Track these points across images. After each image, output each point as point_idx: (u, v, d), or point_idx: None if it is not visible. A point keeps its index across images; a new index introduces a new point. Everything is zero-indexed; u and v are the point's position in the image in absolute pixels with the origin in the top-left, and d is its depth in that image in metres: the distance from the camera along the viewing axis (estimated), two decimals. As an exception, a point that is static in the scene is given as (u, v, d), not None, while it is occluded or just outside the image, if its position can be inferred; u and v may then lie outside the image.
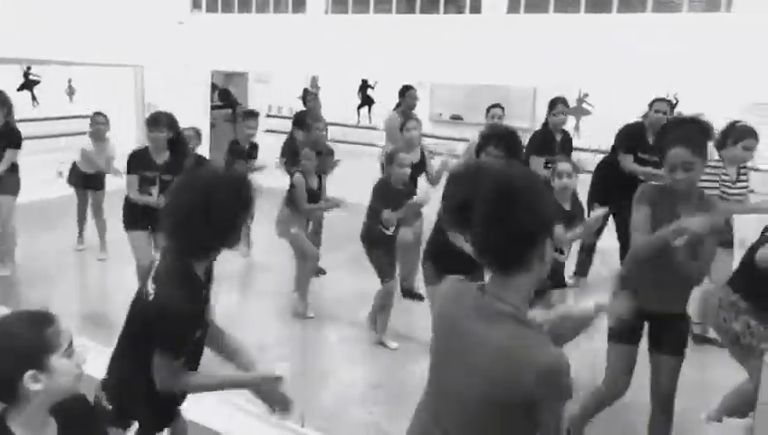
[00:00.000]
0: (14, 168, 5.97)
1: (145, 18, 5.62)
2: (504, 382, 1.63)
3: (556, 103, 5.44)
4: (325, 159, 6.09)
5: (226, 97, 11.11)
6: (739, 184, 4.76)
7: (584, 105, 7.65)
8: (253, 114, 6.50)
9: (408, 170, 4.90)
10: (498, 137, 3.69)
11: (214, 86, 10.33)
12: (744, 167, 4.82)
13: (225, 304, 5.87)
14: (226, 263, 6.65)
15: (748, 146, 4.62)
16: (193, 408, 2.71)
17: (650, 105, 5.42)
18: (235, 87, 11.06)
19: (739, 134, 4.62)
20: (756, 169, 5.12)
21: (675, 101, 7.00)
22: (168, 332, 2.24)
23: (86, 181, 6.68)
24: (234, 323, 5.32)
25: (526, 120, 7.48)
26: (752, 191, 4.98)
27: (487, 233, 1.68)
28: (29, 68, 7.59)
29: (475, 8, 7.60)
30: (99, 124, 6.36)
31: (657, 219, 3.12)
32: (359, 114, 9.21)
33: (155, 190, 4.84)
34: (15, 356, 1.70)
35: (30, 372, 1.69)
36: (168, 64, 6.28)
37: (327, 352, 5.08)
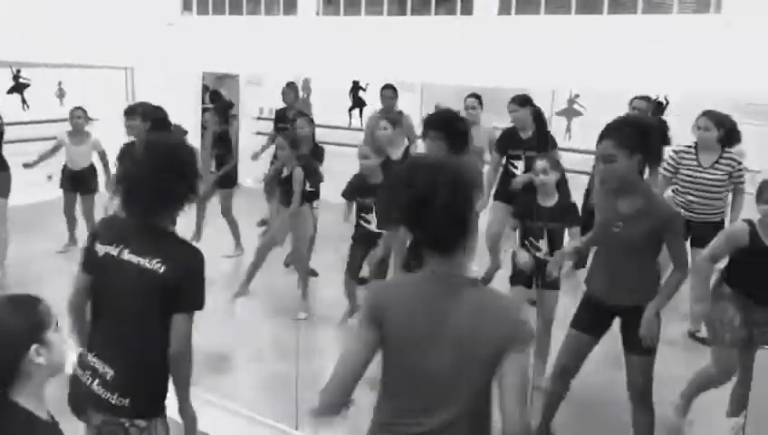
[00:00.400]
0: (3, 165, 5.92)
1: (135, 20, 5.59)
2: (486, 338, 1.86)
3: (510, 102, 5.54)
4: (315, 155, 6.10)
5: (218, 99, 11.09)
6: (712, 171, 4.77)
7: (575, 106, 7.66)
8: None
9: (371, 162, 4.98)
10: (437, 120, 3.75)
11: (205, 88, 10.30)
12: (731, 159, 4.80)
13: (219, 304, 5.86)
14: (220, 263, 6.70)
15: (700, 125, 4.77)
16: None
17: (629, 103, 5.54)
18: (226, 89, 11.04)
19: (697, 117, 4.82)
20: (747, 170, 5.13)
21: (665, 102, 7.03)
22: (199, 286, 2.44)
23: (75, 184, 6.65)
24: (228, 324, 5.34)
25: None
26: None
27: (440, 222, 1.87)
28: (18, 71, 7.55)
29: (467, 10, 7.61)
30: (76, 118, 6.44)
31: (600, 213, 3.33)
32: (350, 116, 9.20)
33: None
34: (17, 335, 1.82)
35: (34, 347, 1.82)
36: (159, 66, 6.26)
37: (321, 353, 5.06)
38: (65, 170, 6.64)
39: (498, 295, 2.08)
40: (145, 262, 2.40)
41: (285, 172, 5.54)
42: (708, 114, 4.79)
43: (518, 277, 4.37)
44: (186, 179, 2.45)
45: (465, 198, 1.91)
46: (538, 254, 4.30)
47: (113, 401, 2.39)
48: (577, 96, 7.58)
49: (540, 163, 4.18)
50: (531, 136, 5.62)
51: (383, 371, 2.04)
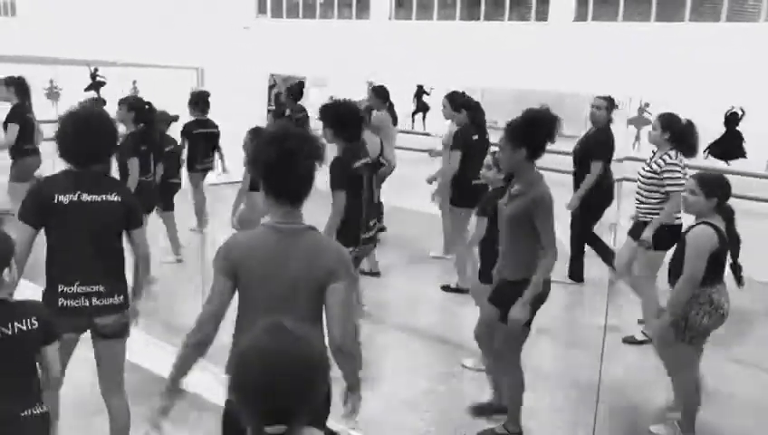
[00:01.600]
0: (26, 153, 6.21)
1: (211, 23, 5.71)
2: (317, 266, 2.34)
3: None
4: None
5: (277, 103, 11.24)
6: (648, 168, 4.94)
7: (645, 115, 7.44)
8: None
9: None
10: (330, 115, 4.28)
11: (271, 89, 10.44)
12: (662, 158, 4.84)
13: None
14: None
15: (652, 125, 5.06)
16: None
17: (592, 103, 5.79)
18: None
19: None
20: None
21: (741, 113, 6.76)
22: (140, 209, 3.22)
23: None
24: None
25: (580, 127, 7.28)
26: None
27: (291, 182, 2.33)
28: (96, 70, 7.81)
29: (542, 15, 7.51)
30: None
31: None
32: (413, 120, 9.15)
33: None
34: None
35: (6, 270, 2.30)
36: (229, 67, 6.37)
37: (377, 356, 5.03)
38: None
39: (328, 239, 2.70)
40: (106, 196, 3.08)
41: None
42: (660, 116, 5.05)
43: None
44: (107, 137, 3.17)
45: (310, 161, 2.32)
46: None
47: (115, 302, 3.11)
48: (647, 105, 7.35)
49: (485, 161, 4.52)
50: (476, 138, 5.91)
51: (240, 307, 2.42)
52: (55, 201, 2.99)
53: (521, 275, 3.65)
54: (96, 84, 7.21)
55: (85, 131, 3.10)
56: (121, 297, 3.17)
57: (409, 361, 4.92)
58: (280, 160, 2.33)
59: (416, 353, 5.04)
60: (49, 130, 6.12)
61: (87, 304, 3.08)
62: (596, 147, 5.93)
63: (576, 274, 6.36)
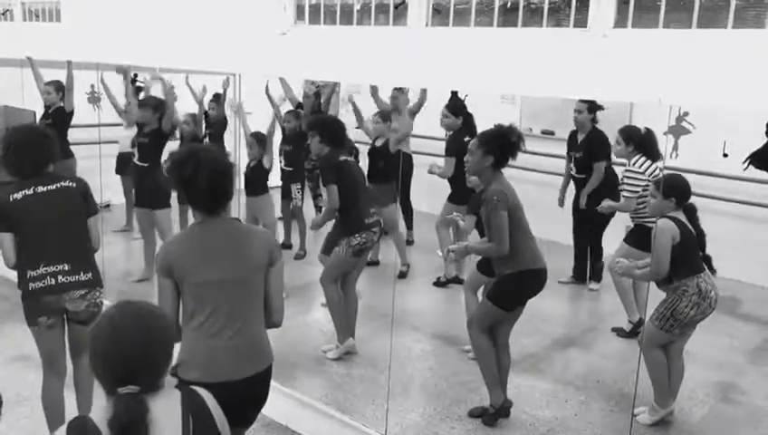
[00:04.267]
0: (67, 153, 6.65)
1: (249, 29, 5.77)
2: (260, 252, 2.70)
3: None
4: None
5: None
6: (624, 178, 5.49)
7: (684, 124, 7.34)
8: None
9: None
10: (318, 125, 4.97)
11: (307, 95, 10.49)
12: (631, 170, 5.45)
13: (304, 309, 5.95)
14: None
15: (615, 139, 5.64)
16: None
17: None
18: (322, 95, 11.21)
19: None
20: None
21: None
22: (94, 198, 3.74)
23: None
24: (316, 328, 5.44)
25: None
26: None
27: (202, 195, 2.60)
28: (136, 75, 7.94)
29: (581, 22, 7.46)
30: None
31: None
32: (446, 127, 9.13)
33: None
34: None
35: None
36: (266, 73, 6.44)
37: (410, 363, 5.05)
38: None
39: (254, 227, 3.21)
40: (61, 184, 3.42)
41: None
42: (620, 131, 5.59)
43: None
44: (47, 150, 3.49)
45: (223, 177, 2.61)
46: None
47: (83, 278, 3.43)
48: (686, 114, 7.26)
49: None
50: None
51: (184, 302, 2.65)
52: (11, 200, 3.32)
53: (507, 271, 4.01)
54: (135, 89, 7.32)
55: (25, 147, 3.40)
56: (89, 274, 3.47)
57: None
58: (181, 183, 2.61)
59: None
60: (92, 134, 6.26)
61: (53, 282, 3.38)
62: (598, 148, 6.30)
63: (580, 274, 6.70)
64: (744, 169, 6.98)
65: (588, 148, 6.39)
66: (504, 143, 3.97)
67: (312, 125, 5.06)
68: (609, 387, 4.73)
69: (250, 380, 2.69)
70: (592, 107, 6.38)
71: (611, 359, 5.17)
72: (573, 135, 6.58)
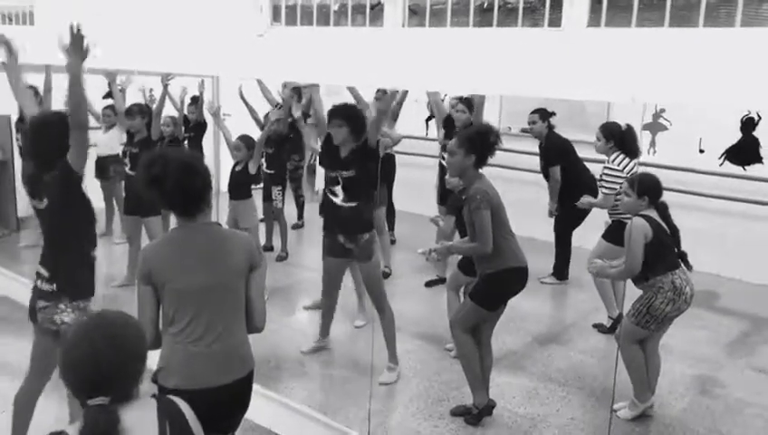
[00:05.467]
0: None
1: (225, 31, 5.75)
2: (240, 257, 2.67)
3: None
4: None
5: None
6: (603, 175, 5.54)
7: (661, 120, 7.43)
8: None
9: None
10: (340, 112, 4.61)
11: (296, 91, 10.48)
12: (610, 167, 5.49)
13: (286, 311, 5.94)
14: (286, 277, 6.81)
15: (595, 135, 5.66)
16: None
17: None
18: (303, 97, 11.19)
19: None
20: None
21: (757, 118, 6.74)
22: None
23: None
24: (298, 331, 5.43)
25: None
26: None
27: (173, 197, 2.57)
28: (115, 78, 7.88)
29: (555, 22, 7.51)
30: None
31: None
32: (427, 126, 9.18)
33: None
34: (145, 353, 1.94)
35: None
36: (243, 75, 6.42)
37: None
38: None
39: (235, 231, 3.03)
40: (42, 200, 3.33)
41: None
42: (602, 127, 5.62)
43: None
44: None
45: (192, 177, 2.55)
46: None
47: (47, 289, 3.30)
48: (663, 111, 7.35)
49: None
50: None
51: (163, 308, 2.63)
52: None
53: (490, 270, 4.04)
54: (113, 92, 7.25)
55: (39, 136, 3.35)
56: (54, 286, 3.31)
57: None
58: (150, 184, 2.56)
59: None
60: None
61: (34, 284, 3.39)
62: (552, 154, 6.48)
63: (561, 272, 6.73)
64: (720, 165, 7.08)
65: (545, 154, 6.53)
66: (485, 142, 4.00)
67: (340, 114, 4.61)
68: (590, 383, 4.77)
69: (231, 386, 2.67)
70: (544, 114, 6.52)
71: (591, 355, 5.21)
72: (541, 144, 6.70)
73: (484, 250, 3.96)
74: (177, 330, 2.62)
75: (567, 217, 6.51)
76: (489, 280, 4.07)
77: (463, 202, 4.12)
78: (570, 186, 6.30)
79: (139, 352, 1.86)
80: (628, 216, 5.10)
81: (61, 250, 3.36)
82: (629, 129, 5.57)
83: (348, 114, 4.61)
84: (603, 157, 5.68)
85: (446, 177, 4.83)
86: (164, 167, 2.53)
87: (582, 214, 6.41)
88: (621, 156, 5.50)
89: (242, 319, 2.72)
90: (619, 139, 5.54)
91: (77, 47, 3.23)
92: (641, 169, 5.37)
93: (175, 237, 2.69)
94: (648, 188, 4.23)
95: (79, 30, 3.25)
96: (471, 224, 4.02)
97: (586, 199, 5.71)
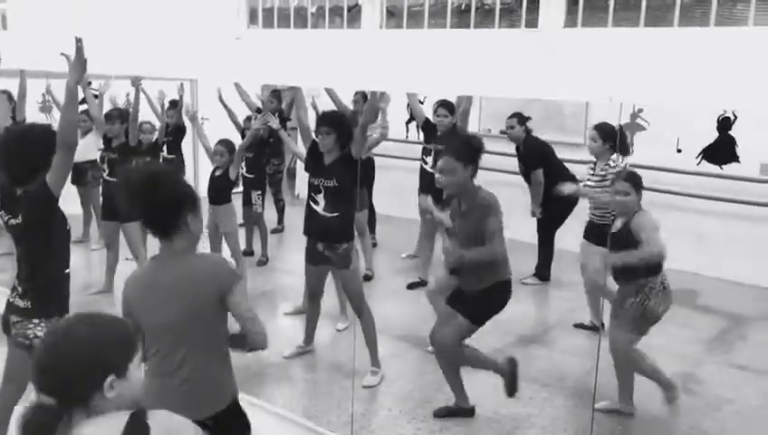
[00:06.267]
0: None
1: (202, 34, 5.71)
2: (208, 287, 2.49)
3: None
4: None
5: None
6: (597, 176, 5.36)
7: (638, 121, 7.49)
8: None
9: None
10: (329, 119, 4.62)
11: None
12: (609, 165, 5.31)
13: (267, 316, 5.91)
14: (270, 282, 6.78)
15: (590, 136, 5.50)
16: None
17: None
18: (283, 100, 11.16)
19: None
20: None
21: (733, 117, 6.81)
22: None
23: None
24: (282, 336, 5.40)
25: (580, 135, 7.36)
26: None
27: (146, 217, 2.52)
28: (89, 83, 7.81)
29: (532, 23, 7.54)
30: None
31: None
32: (407, 129, 9.18)
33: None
34: (103, 360, 1.70)
35: (110, 379, 1.69)
36: (222, 78, 6.38)
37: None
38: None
39: (210, 255, 2.92)
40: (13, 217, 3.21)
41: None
42: (597, 128, 5.45)
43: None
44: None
45: (163, 198, 2.46)
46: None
47: (21, 305, 3.21)
48: (641, 110, 7.41)
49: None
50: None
51: (144, 339, 2.52)
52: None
53: (484, 285, 3.99)
54: (93, 97, 7.18)
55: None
56: (27, 302, 3.22)
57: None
58: (126, 199, 2.53)
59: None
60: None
61: (11, 298, 3.29)
62: (532, 157, 6.53)
63: (543, 273, 6.67)
64: (698, 164, 7.15)
65: (526, 158, 6.57)
66: (478, 151, 3.99)
67: (328, 122, 4.61)
68: (572, 383, 4.79)
69: (202, 423, 2.48)
70: (521, 119, 6.54)
71: (573, 355, 5.23)
72: (518, 147, 6.71)
73: (497, 254, 3.93)
74: (153, 362, 2.57)
75: (550, 219, 6.55)
76: (482, 297, 4.03)
77: (460, 218, 4.05)
78: (552, 187, 6.32)
79: (99, 356, 1.69)
80: (607, 217, 5.14)
81: (34, 268, 3.25)
82: (621, 128, 5.62)
83: (336, 122, 4.61)
84: (581, 157, 5.71)
85: (439, 178, 4.81)
86: (127, 183, 2.52)
87: (564, 214, 6.45)
88: (619, 157, 5.45)
89: (217, 351, 2.62)
90: (614, 139, 5.51)
91: (80, 62, 3.15)
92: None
93: (147, 271, 2.63)
94: (641, 185, 4.26)
95: (81, 44, 3.16)
96: (475, 230, 3.94)
97: (568, 187, 5.67)
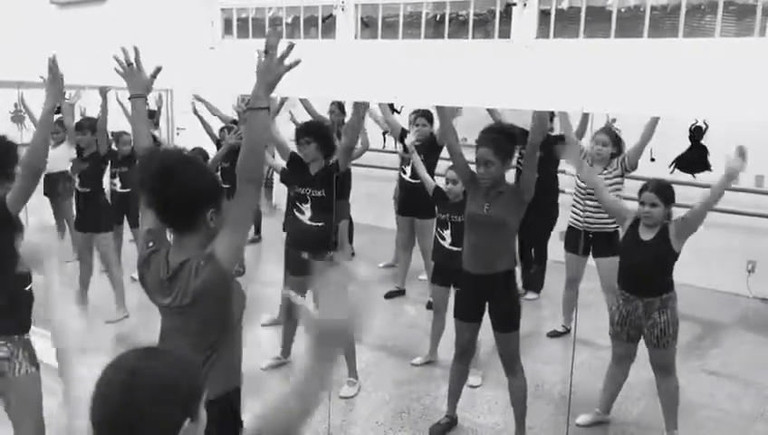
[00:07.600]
0: None
1: (177, 44, 5.69)
2: (208, 280, 2.35)
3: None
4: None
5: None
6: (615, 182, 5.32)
7: (613, 130, 7.54)
8: None
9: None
10: (307, 129, 4.64)
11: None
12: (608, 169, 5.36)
13: (244, 328, 5.86)
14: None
15: (597, 139, 5.40)
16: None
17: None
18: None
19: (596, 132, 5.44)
20: None
21: (705, 126, 6.89)
22: None
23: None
24: (254, 346, 5.36)
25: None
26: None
27: (162, 203, 2.27)
28: (63, 93, 7.74)
29: (505, 33, 7.61)
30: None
31: (469, 204, 3.93)
32: (384, 139, 9.17)
33: None
34: (182, 404, 1.36)
35: (187, 423, 1.36)
36: (197, 88, 6.36)
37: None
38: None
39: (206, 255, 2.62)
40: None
41: None
42: (608, 132, 5.47)
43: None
44: None
45: (180, 190, 2.22)
46: (442, 242, 4.84)
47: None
48: (614, 120, 7.47)
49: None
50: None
51: None
52: None
53: (507, 267, 3.86)
54: (67, 107, 7.11)
55: None
56: None
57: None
58: (140, 189, 2.36)
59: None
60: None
61: None
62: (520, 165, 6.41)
63: (535, 284, 6.69)
64: (671, 173, 7.23)
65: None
66: (516, 143, 3.87)
67: (306, 132, 4.63)
68: (548, 390, 4.81)
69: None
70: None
71: (549, 363, 5.25)
72: None
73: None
74: None
75: (538, 228, 6.45)
76: (516, 301, 3.99)
77: (491, 202, 3.85)
78: (536, 195, 6.28)
79: (173, 402, 1.35)
80: (578, 221, 5.18)
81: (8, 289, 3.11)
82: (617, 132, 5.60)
83: (315, 131, 4.62)
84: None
85: (448, 187, 4.85)
86: (143, 172, 2.35)
87: (550, 223, 6.44)
88: (617, 160, 5.49)
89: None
90: (620, 145, 5.54)
91: (56, 86, 3.08)
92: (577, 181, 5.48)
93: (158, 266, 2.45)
94: (673, 195, 4.18)
95: (55, 64, 3.09)
96: (504, 222, 3.81)
97: (570, 148, 5.33)
